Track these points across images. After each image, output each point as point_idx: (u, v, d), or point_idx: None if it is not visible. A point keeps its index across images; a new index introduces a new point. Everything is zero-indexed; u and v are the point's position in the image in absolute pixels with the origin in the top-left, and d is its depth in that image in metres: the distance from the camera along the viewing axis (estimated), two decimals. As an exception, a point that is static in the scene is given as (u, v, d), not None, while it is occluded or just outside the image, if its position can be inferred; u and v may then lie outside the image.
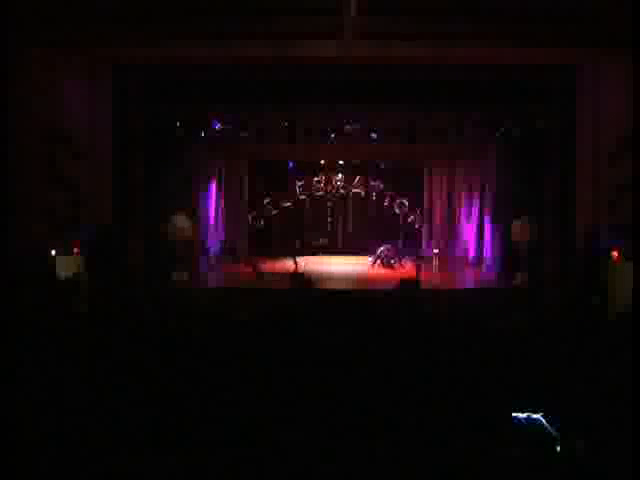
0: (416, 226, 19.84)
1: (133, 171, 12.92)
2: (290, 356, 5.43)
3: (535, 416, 3.66)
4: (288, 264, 16.02)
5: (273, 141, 14.11)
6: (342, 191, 20.19)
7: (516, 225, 13.81)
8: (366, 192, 20.11)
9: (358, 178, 20.11)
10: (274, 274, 15.07)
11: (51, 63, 10.60)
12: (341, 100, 12.84)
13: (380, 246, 17.46)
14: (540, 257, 13.24)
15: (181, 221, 13.70)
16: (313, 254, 18.78)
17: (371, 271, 16.93)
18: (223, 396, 4.38)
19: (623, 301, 9.87)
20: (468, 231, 18.06)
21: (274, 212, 19.87)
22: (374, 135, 13.94)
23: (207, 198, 17.03)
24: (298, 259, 16.15)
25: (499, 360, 5.47)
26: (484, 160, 16.46)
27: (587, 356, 5.72)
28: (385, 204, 19.95)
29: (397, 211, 19.95)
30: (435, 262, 17.58)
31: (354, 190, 20.15)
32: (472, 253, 17.65)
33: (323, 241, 16.67)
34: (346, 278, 15.92)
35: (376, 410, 4.08)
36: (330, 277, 15.71)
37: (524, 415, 3.67)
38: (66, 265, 10.85)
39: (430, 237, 19.48)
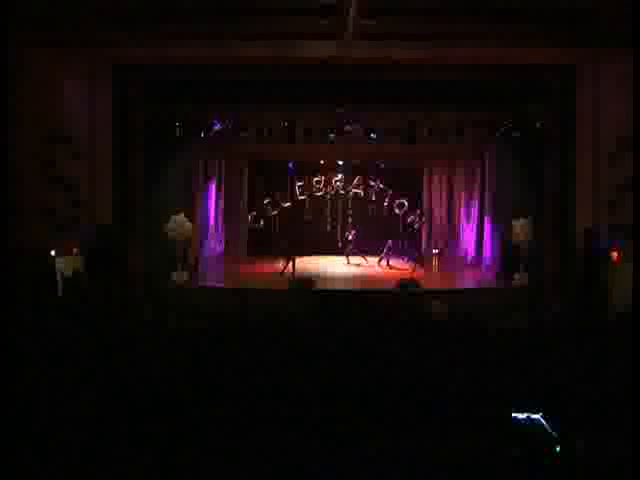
0: (415, 226, 19.82)
1: (133, 171, 12.92)
2: (290, 355, 5.43)
3: (535, 416, 3.66)
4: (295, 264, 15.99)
5: (273, 141, 14.09)
6: (342, 191, 20.17)
7: (516, 225, 13.81)
8: (366, 192, 20.09)
9: (358, 178, 20.10)
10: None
11: (51, 63, 10.60)
12: (341, 100, 12.83)
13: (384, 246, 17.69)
14: (540, 257, 13.24)
15: (181, 221, 13.68)
16: (313, 254, 18.77)
17: (377, 269, 16.97)
18: (223, 395, 4.38)
19: (623, 301, 9.87)
20: (468, 231, 18.05)
21: (274, 212, 19.85)
22: (374, 135, 13.92)
23: (207, 198, 17.02)
24: (291, 260, 16.07)
25: (499, 360, 5.48)
26: (484, 160, 16.46)
27: (587, 356, 5.72)
28: (385, 204, 19.94)
29: (397, 211, 19.93)
30: (435, 262, 17.59)
31: (354, 190, 20.14)
32: (472, 253, 17.65)
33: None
34: (346, 278, 15.92)
35: (376, 409, 4.08)
36: (330, 277, 15.71)
37: (524, 415, 3.67)
38: (66, 265, 10.85)
39: (430, 237, 19.47)
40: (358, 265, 17.85)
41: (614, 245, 10.99)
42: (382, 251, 17.70)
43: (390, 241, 17.71)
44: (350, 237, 18.64)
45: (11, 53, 9.20)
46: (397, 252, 18.05)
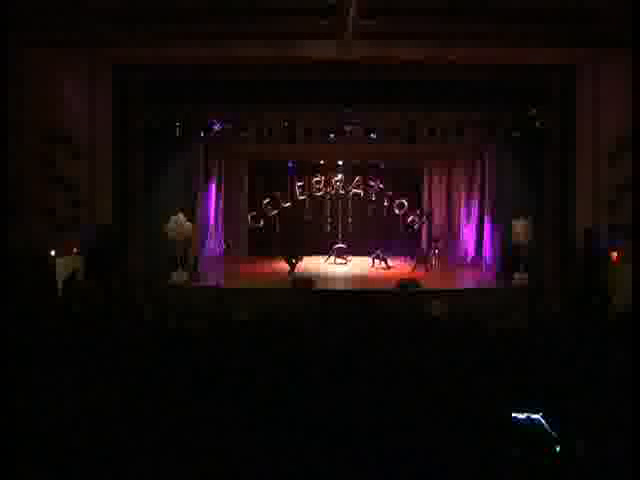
0: (415, 226, 19.81)
1: (133, 171, 12.92)
2: (290, 355, 5.43)
3: (535, 416, 3.66)
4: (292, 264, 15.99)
5: (273, 141, 14.06)
6: (342, 191, 20.15)
7: (516, 225, 13.81)
8: (366, 192, 20.08)
9: (358, 178, 20.08)
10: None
11: (51, 63, 10.60)
12: (341, 100, 12.83)
13: (376, 248, 17.64)
14: (540, 257, 13.24)
15: (181, 221, 13.68)
16: (313, 254, 18.76)
17: (371, 271, 16.95)
18: (223, 395, 4.38)
19: (623, 301, 9.87)
20: (468, 231, 18.04)
21: (274, 212, 19.85)
22: (374, 135, 13.90)
23: (207, 198, 17.01)
24: (295, 260, 16.15)
25: (499, 360, 5.48)
26: (484, 160, 16.46)
27: (587, 356, 5.72)
28: (385, 204, 19.92)
29: (397, 211, 19.92)
30: (435, 262, 17.58)
31: (354, 190, 20.12)
32: (472, 253, 17.64)
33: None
34: (345, 278, 15.92)
35: (376, 409, 4.08)
36: (330, 277, 15.70)
37: (524, 415, 3.67)
38: (66, 265, 10.86)
39: (430, 237, 19.44)
40: (345, 264, 17.88)
41: (614, 245, 11.00)
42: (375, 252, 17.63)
43: (378, 250, 17.62)
44: (340, 245, 18.58)
45: (11, 53, 9.20)
46: (391, 254, 17.94)
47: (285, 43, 10.88)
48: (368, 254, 17.86)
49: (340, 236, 19.87)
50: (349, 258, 18.23)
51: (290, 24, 10.22)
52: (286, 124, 13.47)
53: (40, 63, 10.22)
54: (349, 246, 18.68)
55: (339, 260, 18.15)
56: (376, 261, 17.44)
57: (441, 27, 10.28)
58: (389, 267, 17.16)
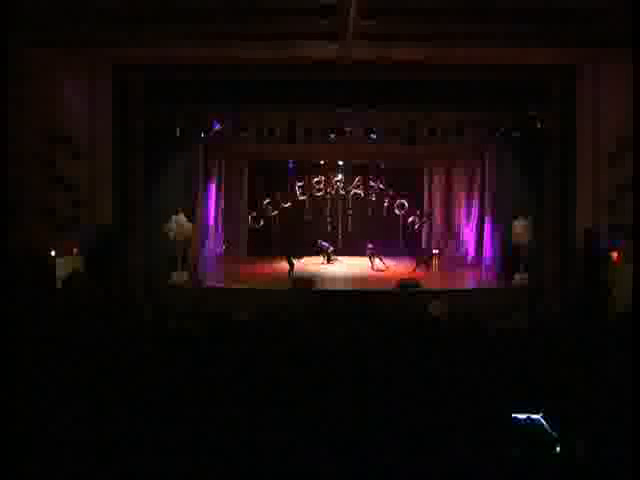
0: (415, 227, 19.82)
1: (133, 171, 12.93)
2: (290, 355, 5.43)
3: (535, 416, 3.66)
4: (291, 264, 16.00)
5: (273, 141, 14.08)
6: (342, 191, 20.16)
7: (516, 225, 13.81)
8: (366, 192, 20.08)
9: (358, 178, 20.09)
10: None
11: (51, 63, 10.60)
12: (341, 100, 12.84)
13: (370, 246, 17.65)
14: (540, 257, 13.24)
15: (181, 221, 13.69)
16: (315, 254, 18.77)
17: (371, 271, 16.95)
18: (223, 396, 4.38)
19: (623, 301, 9.87)
20: (468, 231, 18.06)
21: (274, 212, 19.86)
22: (374, 135, 13.90)
23: (207, 198, 17.01)
24: (295, 260, 16.13)
25: (499, 360, 5.47)
26: (484, 160, 16.46)
27: (587, 356, 5.72)
28: (385, 205, 19.93)
29: (397, 212, 19.93)
30: (435, 262, 17.58)
31: (354, 190, 20.13)
32: (472, 253, 17.65)
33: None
34: (346, 278, 15.92)
35: (376, 409, 4.08)
36: (330, 277, 15.71)
37: (524, 415, 3.67)
38: (66, 265, 10.85)
39: (430, 237, 19.47)
40: (359, 265, 17.85)
41: (614, 245, 10.99)
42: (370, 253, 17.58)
43: (371, 244, 17.61)
44: (329, 247, 18.65)
45: (11, 53, 9.20)
46: (382, 252, 17.93)
47: (285, 43, 10.88)
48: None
49: (340, 236, 19.88)
50: (336, 258, 18.24)
51: (290, 24, 10.22)
52: (286, 124, 13.46)
53: (40, 63, 10.21)
54: (335, 249, 18.71)
55: (324, 259, 18.19)
56: (373, 260, 17.40)
57: (441, 27, 10.28)
58: (386, 267, 17.05)
